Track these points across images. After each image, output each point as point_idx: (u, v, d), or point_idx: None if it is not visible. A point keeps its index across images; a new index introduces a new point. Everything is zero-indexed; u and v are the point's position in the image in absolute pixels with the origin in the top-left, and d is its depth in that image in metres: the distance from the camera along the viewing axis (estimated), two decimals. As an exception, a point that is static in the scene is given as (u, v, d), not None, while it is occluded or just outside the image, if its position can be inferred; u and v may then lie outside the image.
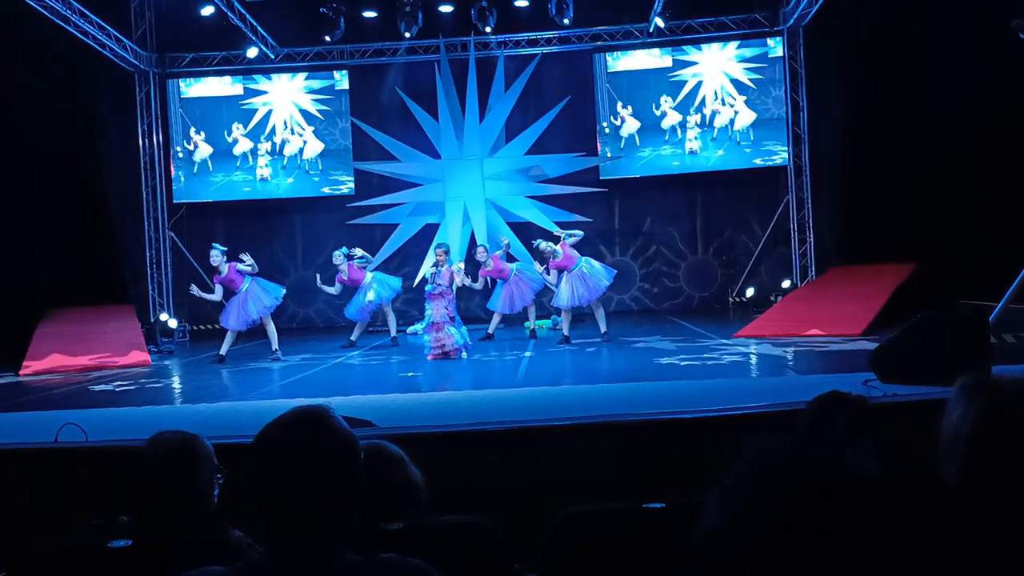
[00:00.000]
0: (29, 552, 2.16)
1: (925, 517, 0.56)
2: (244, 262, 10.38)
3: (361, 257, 11.56)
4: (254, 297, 10.38)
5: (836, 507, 0.57)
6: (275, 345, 10.46)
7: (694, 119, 14.37)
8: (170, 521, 2.13)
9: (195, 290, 10.72)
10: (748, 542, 0.57)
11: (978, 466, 1.17)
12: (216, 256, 10.34)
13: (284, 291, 10.86)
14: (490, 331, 11.74)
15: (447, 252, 10.37)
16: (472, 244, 14.28)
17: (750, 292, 14.15)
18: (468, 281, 10.79)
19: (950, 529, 0.55)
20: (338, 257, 11.46)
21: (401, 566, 1.45)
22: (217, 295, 10.56)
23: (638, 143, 14.49)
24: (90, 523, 2.33)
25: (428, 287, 9.99)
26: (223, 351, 10.43)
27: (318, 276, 11.83)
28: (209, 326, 13.39)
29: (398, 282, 11.90)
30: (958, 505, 0.57)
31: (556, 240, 10.78)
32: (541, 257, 10.95)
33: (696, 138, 14.37)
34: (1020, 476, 1.12)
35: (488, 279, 12.12)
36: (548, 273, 10.91)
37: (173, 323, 13.62)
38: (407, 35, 13.79)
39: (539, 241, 11.00)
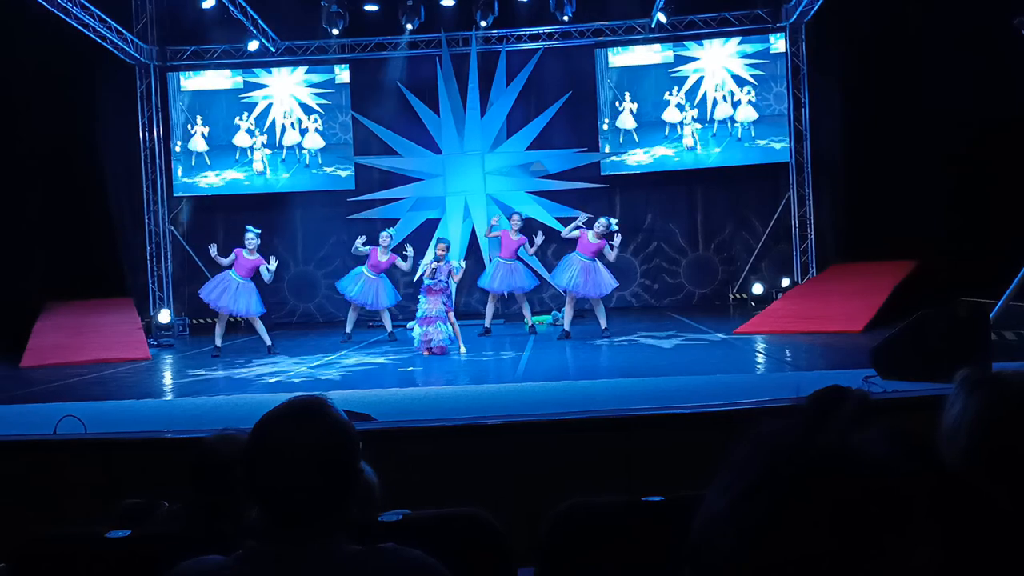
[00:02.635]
0: (28, 544, 2.16)
1: (935, 500, 0.56)
2: (269, 267, 10.43)
3: (405, 258, 11.36)
4: (247, 296, 10.39)
5: (844, 491, 0.56)
6: (268, 341, 10.51)
7: (694, 115, 14.34)
8: (228, 515, 2.15)
9: (213, 249, 10.57)
10: (754, 527, 0.57)
11: (980, 459, 1.16)
12: (252, 239, 10.39)
13: (263, 312, 10.76)
14: (487, 325, 11.75)
15: (448, 247, 10.34)
16: (473, 241, 14.30)
17: (759, 289, 14.08)
18: (455, 263, 10.65)
19: (960, 512, 0.55)
20: (385, 238, 11.39)
21: (400, 555, 1.45)
22: (227, 261, 10.46)
23: (636, 140, 14.46)
24: (130, 502, 2.34)
25: (427, 281, 9.95)
26: (217, 343, 10.46)
27: (361, 238, 11.40)
28: (208, 320, 13.38)
29: (398, 297, 11.93)
30: (968, 489, 0.57)
31: (610, 235, 10.58)
32: (591, 224, 10.54)
33: (697, 134, 14.34)
34: (1022, 468, 1.12)
35: (489, 256, 12.07)
36: (575, 231, 10.65)
37: (166, 318, 13.58)
38: (408, 27, 13.77)
39: (610, 222, 10.65)
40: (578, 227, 10.72)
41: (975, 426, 1.20)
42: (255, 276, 10.53)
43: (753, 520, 0.58)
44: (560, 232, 11.13)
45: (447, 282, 9.95)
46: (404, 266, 11.44)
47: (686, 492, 2.04)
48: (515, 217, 11.84)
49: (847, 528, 0.55)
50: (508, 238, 11.62)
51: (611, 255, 10.55)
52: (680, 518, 0.74)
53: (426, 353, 9.67)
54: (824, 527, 0.55)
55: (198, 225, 14.91)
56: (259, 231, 10.63)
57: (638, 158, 14.47)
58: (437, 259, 10.08)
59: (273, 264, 10.46)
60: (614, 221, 10.73)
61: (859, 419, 0.63)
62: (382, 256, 11.35)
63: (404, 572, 1.44)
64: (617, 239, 10.60)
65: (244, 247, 10.44)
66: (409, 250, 11.50)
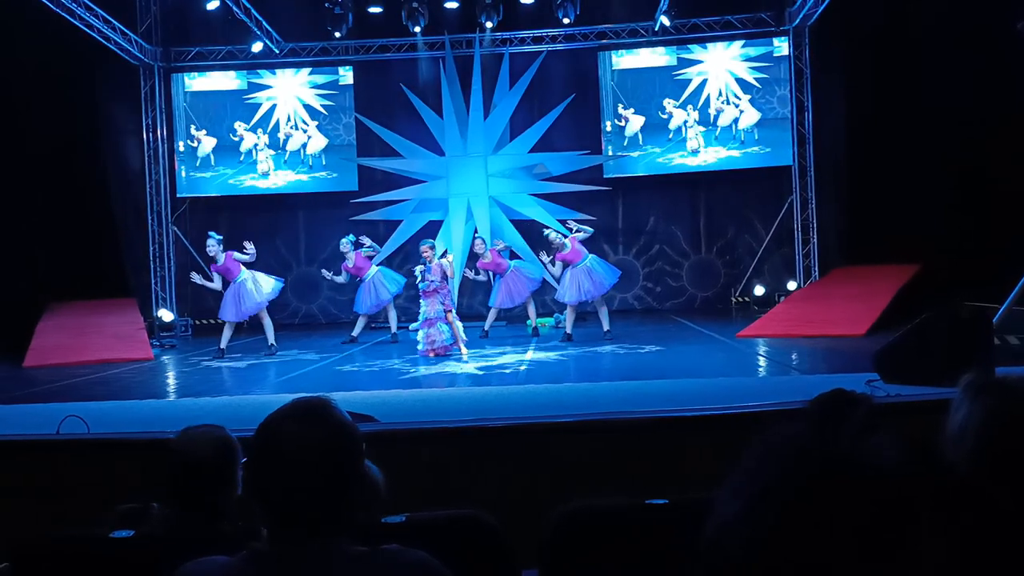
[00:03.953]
0: (30, 543, 2.16)
1: (945, 505, 0.56)
2: (245, 251, 10.40)
3: (369, 247, 11.61)
4: (249, 289, 10.40)
5: (856, 496, 0.56)
6: (271, 339, 10.48)
7: (698, 118, 14.33)
8: (210, 512, 2.16)
9: (195, 277, 10.76)
10: (767, 529, 0.57)
11: (985, 463, 1.17)
12: (212, 245, 10.35)
13: (282, 284, 10.86)
14: (486, 328, 11.77)
15: (432, 248, 10.31)
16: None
17: (760, 291, 14.11)
18: (469, 274, 10.71)
19: (972, 516, 0.55)
20: (345, 245, 11.54)
21: (403, 557, 1.45)
22: (217, 284, 10.53)
23: (641, 142, 14.46)
24: (124, 508, 2.36)
25: (421, 284, 9.98)
26: (223, 344, 10.45)
27: (323, 271, 11.94)
28: (211, 320, 13.40)
29: (403, 280, 11.93)
30: (977, 493, 0.57)
31: (566, 233, 10.87)
32: (549, 247, 10.95)
33: (700, 137, 14.34)
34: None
35: (490, 274, 12.16)
36: (553, 264, 10.91)
37: (168, 317, 13.61)
38: (416, 30, 13.79)
39: (550, 231, 11.05)
40: (554, 261, 10.85)
41: (981, 431, 1.20)
42: (249, 266, 10.56)
43: (766, 523, 0.58)
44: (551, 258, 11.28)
45: (440, 282, 9.94)
46: (372, 251, 11.63)
47: (689, 495, 2.04)
48: (477, 243, 11.92)
49: (858, 532, 0.55)
50: (483, 265, 11.84)
51: (585, 234, 10.76)
52: (683, 521, 0.74)
53: (432, 355, 9.68)
54: (836, 531, 0.55)
55: (201, 226, 14.91)
56: (220, 237, 10.51)
57: (641, 157, 14.47)
58: (423, 262, 10.06)
59: (250, 247, 10.47)
60: (549, 231, 11.08)
61: (870, 424, 0.64)
62: (351, 263, 11.45)
63: (407, 574, 1.44)
64: (573, 224, 10.94)
65: (214, 261, 10.42)
66: (366, 240, 11.67)
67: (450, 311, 9.94)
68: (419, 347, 9.86)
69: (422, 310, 9.94)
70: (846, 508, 0.56)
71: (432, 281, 9.86)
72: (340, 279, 11.67)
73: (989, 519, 0.56)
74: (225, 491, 2.21)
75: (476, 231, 13.25)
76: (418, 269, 10.16)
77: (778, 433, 0.64)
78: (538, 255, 11.25)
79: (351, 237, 11.69)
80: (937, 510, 0.56)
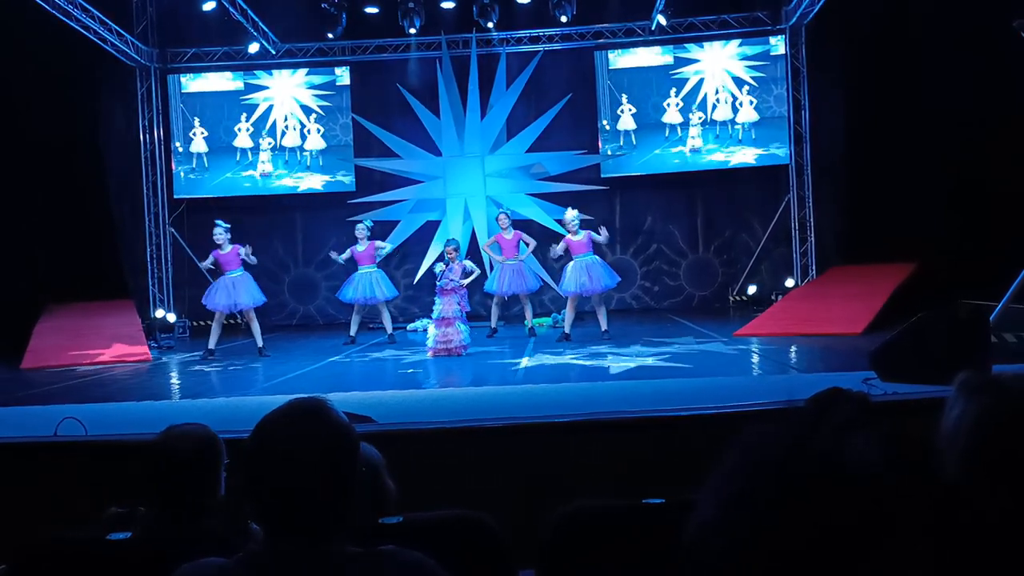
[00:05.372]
0: (28, 545, 2.16)
1: (923, 509, 0.56)
2: (247, 253, 10.50)
3: (382, 245, 11.77)
4: (246, 287, 10.43)
5: (832, 498, 0.56)
6: (260, 342, 10.48)
7: (695, 117, 14.34)
8: (195, 512, 2.16)
9: (203, 265, 10.75)
10: (743, 531, 0.57)
11: (978, 463, 1.16)
12: (220, 234, 10.42)
13: (265, 300, 10.92)
14: (493, 326, 11.77)
15: (457, 249, 10.33)
16: (473, 243, 14.27)
17: (752, 289, 14.16)
18: (468, 263, 10.71)
19: (946, 521, 0.55)
20: (361, 230, 11.55)
21: (400, 557, 1.45)
22: (208, 262, 10.59)
23: (634, 142, 14.46)
24: (113, 512, 2.35)
25: (439, 283, 9.95)
26: (211, 345, 10.45)
27: (331, 252, 11.94)
28: (209, 322, 13.37)
29: (396, 292, 11.97)
30: (956, 499, 0.57)
31: (585, 227, 10.83)
32: (565, 224, 10.88)
33: (697, 136, 14.34)
34: (1021, 472, 1.12)
35: (491, 263, 12.17)
36: (556, 243, 10.94)
37: (171, 317, 13.63)
38: (412, 31, 13.79)
39: (575, 211, 10.90)
40: (562, 250, 10.85)
41: (974, 430, 1.20)
42: (247, 266, 10.60)
43: (743, 524, 0.58)
44: (558, 239, 11.25)
45: (459, 282, 9.93)
46: (386, 245, 11.85)
47: (687, 494, 2.04)
48: (501, 217, 11.88)
49: (835, 533, 0.55)
50: (503, 239, 11.67)
51: (601, 237, 10.66)
52: (681, 520, 0.74)
53: (444, 354, 9.62)
54: (812, 531, 0.56)
55: (198, 227, 14.90)
56: (228, 225, 10.62)
57: (638, 156, 14.47)
58: (446, 261, 10.06)
59: (248, 249, 10.55)
60: (572, 210, 10.91)
61: (854, 422, 0.63)
62: (361, 247, 11.48)
63: (404, 575, 1.44)
64: (604, 232, 10.73)
65: (218, 248, 10.46)
66: (380, 243, 11.81)
67: (465, 312, 9.94)
68: (429, 343, 9.82)
69: (436, 308, 9.88)
70: (822, 509, 0.56)
71: (451, 280, 9.85)
72: (341, 257, 11.59)
73: (972, 526, 0.57)
74: (211, 490, 2.20)
75: (474, 232, 13.24)
76: (439, 267, 10.16)
77: (755, 434, 0.64)
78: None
79: (369, 223, 11.76)
80: (919, 516, 0.56)
